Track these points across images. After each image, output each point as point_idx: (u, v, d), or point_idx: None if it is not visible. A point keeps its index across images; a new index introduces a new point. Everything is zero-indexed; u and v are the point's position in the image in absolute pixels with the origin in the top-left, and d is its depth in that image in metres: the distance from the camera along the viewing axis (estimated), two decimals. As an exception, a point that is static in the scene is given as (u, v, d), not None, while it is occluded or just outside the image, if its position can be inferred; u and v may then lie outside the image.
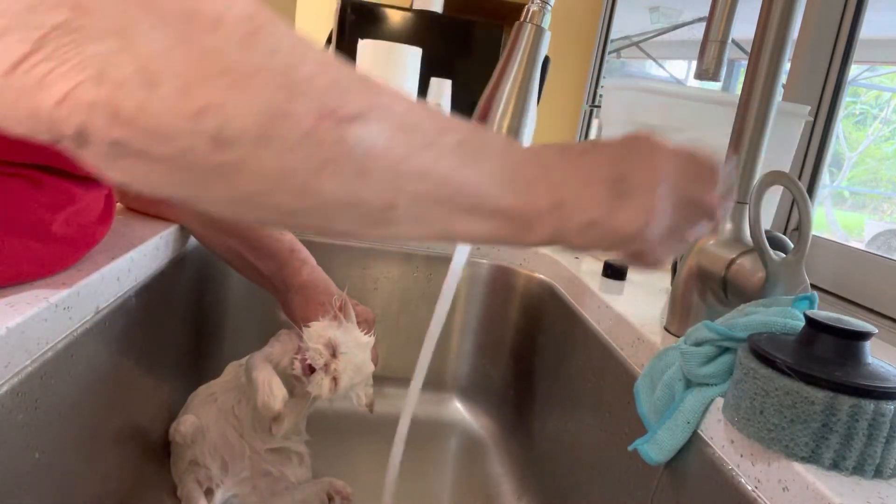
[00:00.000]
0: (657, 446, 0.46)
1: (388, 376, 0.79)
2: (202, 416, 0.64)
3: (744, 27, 0.57)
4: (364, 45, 1.51)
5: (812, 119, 0.90)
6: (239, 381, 0.66)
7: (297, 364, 0.59)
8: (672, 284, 0.58)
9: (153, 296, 0.60)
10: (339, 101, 0.25)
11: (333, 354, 0.59)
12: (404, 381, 0.88)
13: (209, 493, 0.63)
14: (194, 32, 0.22)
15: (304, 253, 0.69)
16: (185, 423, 0.62)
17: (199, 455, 0.63)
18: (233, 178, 0.25)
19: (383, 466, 0.62)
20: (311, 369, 0.58)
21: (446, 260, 0.87)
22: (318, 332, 0.59)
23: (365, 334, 0.62)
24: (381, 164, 0.26)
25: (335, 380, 0.58)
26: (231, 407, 0.65)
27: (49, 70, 0.21)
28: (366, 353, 0.62)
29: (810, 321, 0.38)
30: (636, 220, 0.32)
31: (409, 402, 0.59)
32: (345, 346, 0.59)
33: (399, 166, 0.27)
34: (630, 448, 0.47)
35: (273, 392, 0.59)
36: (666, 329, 0.57)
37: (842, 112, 0.90)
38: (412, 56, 1.51)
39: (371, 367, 0.63)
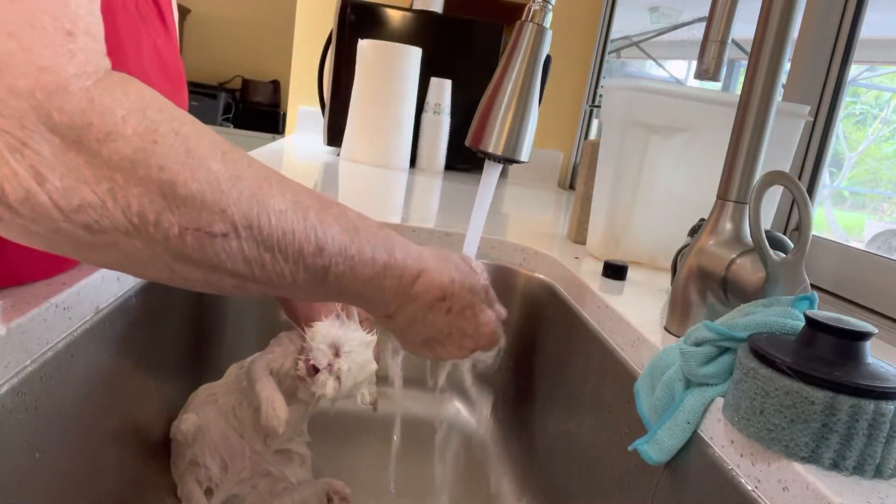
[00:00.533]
0: (657, 446, 0.46)
1: (391, 376, 0.79)
2: (203, 416, 0.64)
3: (744, 27, 0.57)
4: (364, 45, 1.51)
5: (812, 119, 0.90)
6: (241, 383, 0.66)
7: (301, 365, 0.59)
8: (672, 284, 0.58)
9: (153, 296, 0.60)
10: (209, 219, 0.30)
11: (337, 354, 0.59)
12: (413, 382, 0.88)
13: (209, 492, 0.63)
14: (84, 142, 0.26)
15: None
16: (187, 422, 0.62)
17: (200, 454, 0.63)
18: (107, 251, 0.30)
19: (383, 466, 0.61)
20: (315, 370, 0.58)
21: (446, 260, 0.87)
22: (322, 331, 0.60)
23: (367, 333, 0.63)
24: (234, 267, 0.32)
25: (339, 379, 0.58)
26: (232, 408, 0.65)
27: None
28: (368, 351, 0.62)
29: (810, 321, 0.38)
30: (434, 356, 0.49)
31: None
32: (348, 344, 0.59)
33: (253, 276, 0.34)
34: (630, 448, 0.47)
35: (276, 412, 0.59)
36: (666, 329, 0.57)
37: (842, 112, 0.90)
38: (412, 56, 1.51)
39: (374, 366, 0.63)
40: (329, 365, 0.58)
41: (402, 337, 0.47)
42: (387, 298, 0.42)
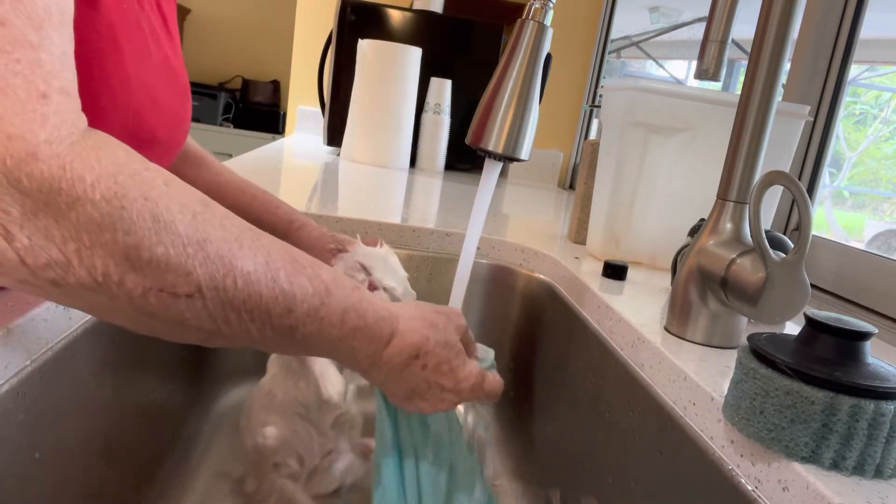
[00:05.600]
0: None
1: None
2: (271, 419, 0.65)
3: (744, 27, 0.57)
4: (364, 45, 1.51)
5: (812, 119, 0.90)
6: (290, 369, 0.66)
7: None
8: (672, 284, 0.58)
9: (153, 296, 0.60)
10: (173, 281, 0.31)
11: (368, 273, 0.62)
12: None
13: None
14: (53, 205, 0.28)
15: (303, 218, 0.71)
16: (269, 436, 0.63)
17: (280, 458, 0.65)
18: (72, 299, 0.31)
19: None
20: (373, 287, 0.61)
21: (447, 259, 0.87)
22: (346, 262, 0.63)
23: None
24: (199, 324, 0.33)
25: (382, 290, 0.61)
26: (294, 397, 0.65)
27: None
28: (391, 256, 0.64)
29: (810, 321, 0.38)
30: (418, 409, 0.47)
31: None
32: (369, 258, 0.61)
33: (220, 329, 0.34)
34: None
35: (333, 384, 0.60)
36: (666, 329, 0.57)
37: (842, 112, 0.90)
38: (412, 56, 1.51)
39: (404, 273, 0.66)
40: (368, 284, 0.61)
41: (382, 388, 0.48)
42: (359, 358, 0.42)
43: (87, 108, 0.41)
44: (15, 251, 0.28)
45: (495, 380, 0.50)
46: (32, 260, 0.28)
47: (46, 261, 0.28)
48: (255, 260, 0.34)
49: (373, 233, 0.86)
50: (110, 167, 0.29)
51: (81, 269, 0.29)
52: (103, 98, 0.41)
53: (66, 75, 0.30)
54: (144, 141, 0.47)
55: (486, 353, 0.54)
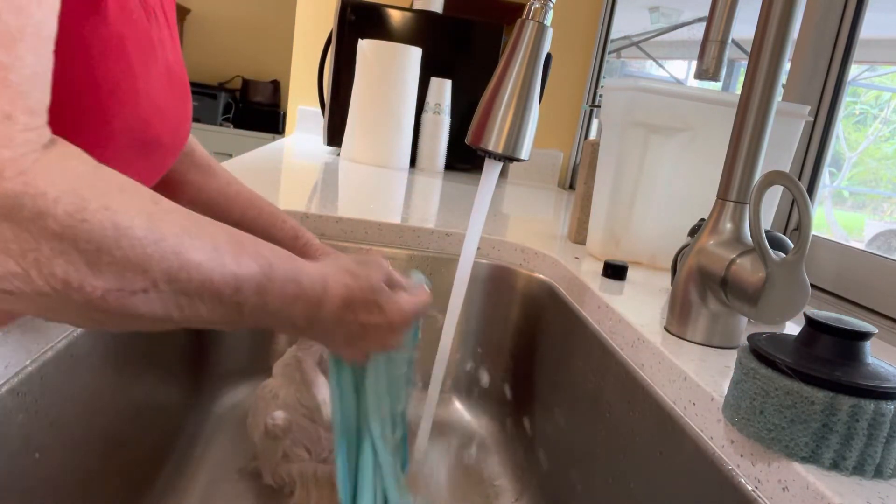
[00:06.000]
0: None
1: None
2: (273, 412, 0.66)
3: (744, 27, 0.58)
4: (364, 45, 1.51)
5: (812, 119, 0.90)
6: (294, 378, 0.67)
7: None
8: (672, 284, 0.58)
9: (153, 296, 0.60)
10: (131, 280, 0.32)
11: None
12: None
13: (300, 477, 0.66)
14: (15, 219, 0.28)
15: (308, 235, 0.71)
16: (279, 419, 0.64)
17: (289, 447, 0.65)
18: (22, 304, 0.31)
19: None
20: None
21: (447, 259, 0.87)
22: None
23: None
24: (152, 313, 0.35)
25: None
26: (296, 400, 0.66)
27: None
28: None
29: (810, 321, 0.38)
30: (360, 354, 0.53)
31: (427, 416, 0.60)
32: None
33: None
34: None
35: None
36: (666, 329, 0.57)
37: (842, 112, 0.90)
38: (412, 56, 1.51)
39: None
40: None
41: (324, 343, 0.51)
42: (297, 322, 0.46)
43: (96, 119, 0.41)
44: None
45: (418, 299, 0.54)
46: None
47: (3, 273, 0.29)
48: (205, 248, 0.36)
49: (373, 233, 0.86)
50: (73, 181, 0.30)
51: (39, 279, 0.30)
52: (112, 109, 0.42)
53: (36, 95, 0.31)
54: (150, 146, 0.47)
55: (415, 275, 0.58)
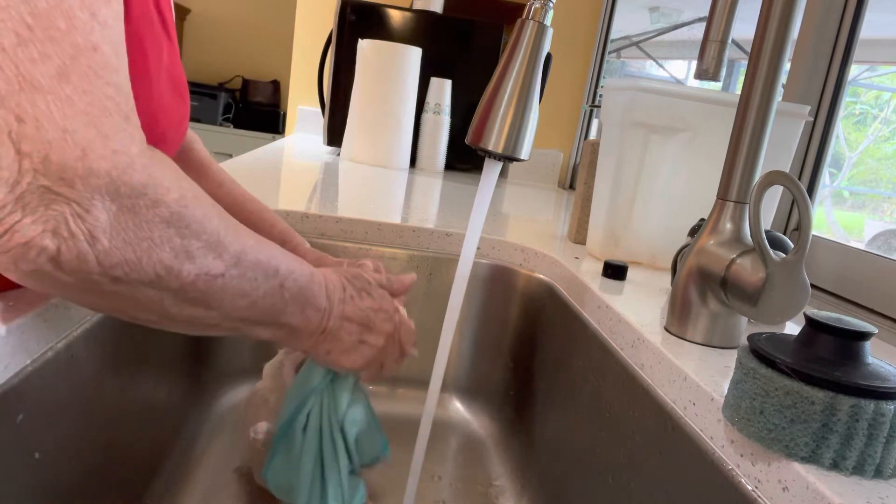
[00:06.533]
0: None
1: (397, 377, 0.79)
2: (266, 418, 0.65)
3: (744, 27, 0.58)
4: (364, 45, 1.51)
5: (812, 119, 0.90)
6: (283, 382, 0.67)
7: None
8: (672, 284, 0.58)
9: (153, 296, 0.60)
10: (213, 264, 0.37)
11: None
12: (413, 382, 0.88)
13: None
14: (137, 208, 0.32)
15: (298, 239, 0.71)
16: (260, 430, 0.64)
17: None
18: (114, 298, 0.34)
19: (384, 466, 0.62)
20: None
21: (447, 259, 0.87)
22: None
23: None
24: (222, 300, 0.40)
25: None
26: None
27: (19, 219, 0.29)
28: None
29: (810, 321, 0.38)
30: (354, 364, 0.54)
31: (428, 411, 0.60)
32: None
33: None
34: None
35: None
36: (666, 329, 0.57)
37: (842, 112, 0.90)
38: (412, 56, 1.51)
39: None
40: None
41: (340, 348, 0.52)
42: (318, 303, 0.49)
43: None
44: (95, 254, 0.31)
45: (399, 280, 0.59)
46: (108, 260, 0.32)
47: (119, 260, 0.32)
48: (250, 236, 0.41)
49: (373, 233, 0.86)
50: (174, 173, 0.35)
51: (149, 265, 0.33)
52: None
53: (133, 101, 0.34)
54: (155, 142, 0.47)
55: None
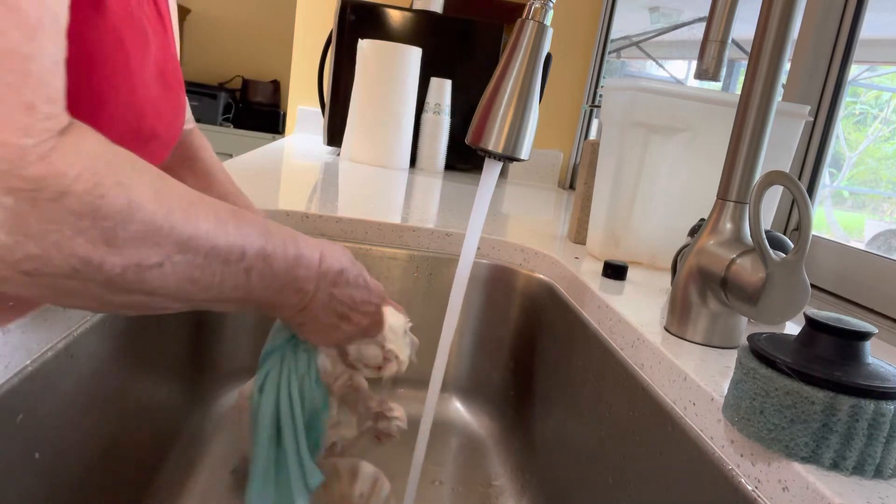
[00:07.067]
0: None
1: (397, 377, 0.78)
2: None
3: (744, 27, 0.58)
4: (364, 45, 1.51)
5: (812, 119, 0.90)
6: None
7: (384, 365, 0.59)
8: (672, 284, 0.58)
9: (153, 296, 0.60)
10: (147, 254, 0.34)
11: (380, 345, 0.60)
12: (414, 382, 0.88)
13: None
14: (37, 201, 0.30)
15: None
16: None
17: None
18: (39, 289, 0.32)
19: (384, 467, 0.62)
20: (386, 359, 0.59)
21: (447, 259, 0.87)
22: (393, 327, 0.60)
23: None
24: (164, 288, 0.36)
25: (398, 357, 0.59)
26: None
27: None
28: (399, 317, 0.62)
29: (810, 321, 0.38)
30: (345, 336, 0.54)
31: (428, 411, 0.60)
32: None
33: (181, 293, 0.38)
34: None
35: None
36: (666, 329, 0.57)
37: (842, 112, 0.90)
38: (412, 56, 1.51)
39: (405, 326, 0.65)
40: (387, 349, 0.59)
41: (314, 326, 0.52)
42: (301, 286, 0.47)
43: (92, 111, 0.41)
44: None
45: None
46: (10, 256, 0.30)
47: (24, 255, 0.30)
48: (208, 218, 0.38)
49: (373, 233, 0.86)
50: (89, 160, 0.32)
51: (60, 259, 0.31)
52: (109, 101, 0.42)
53: (56, 84, 0.31)
54: (145, 138, 0.47)
55: None
